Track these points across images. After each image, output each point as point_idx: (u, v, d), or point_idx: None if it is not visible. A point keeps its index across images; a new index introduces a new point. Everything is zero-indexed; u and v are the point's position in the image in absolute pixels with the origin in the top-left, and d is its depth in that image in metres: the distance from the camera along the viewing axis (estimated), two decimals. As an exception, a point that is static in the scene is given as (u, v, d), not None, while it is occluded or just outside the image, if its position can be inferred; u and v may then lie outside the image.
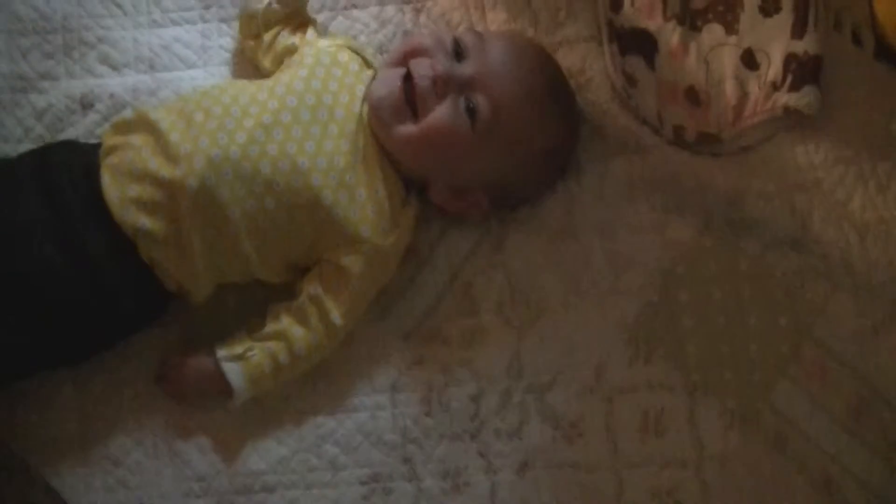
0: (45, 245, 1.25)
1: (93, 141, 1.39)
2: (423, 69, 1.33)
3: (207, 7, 1.52)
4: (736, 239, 1.42)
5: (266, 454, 1.35)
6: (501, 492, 1.34)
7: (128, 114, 1.37)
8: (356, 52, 1.42)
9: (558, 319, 1.40)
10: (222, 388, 1.31)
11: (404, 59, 1.35)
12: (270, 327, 1.32)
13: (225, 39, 1.50)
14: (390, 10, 1.52)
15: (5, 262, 1.25)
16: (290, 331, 1.32)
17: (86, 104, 1.45)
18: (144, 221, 1.26)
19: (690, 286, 1.41)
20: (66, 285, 1.26)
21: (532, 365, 1.38)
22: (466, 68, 1.33)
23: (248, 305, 1.38)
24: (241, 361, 1.31)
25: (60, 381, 1.34)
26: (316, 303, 1.32)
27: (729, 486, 1.35)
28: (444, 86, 1.32)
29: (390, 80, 1.34)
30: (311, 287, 1.33)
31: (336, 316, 1.32)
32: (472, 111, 1.32)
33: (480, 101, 1.32)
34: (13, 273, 1.24)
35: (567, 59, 1.48)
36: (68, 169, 1.30)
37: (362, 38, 1.51)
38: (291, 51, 1.43)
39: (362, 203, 1.33)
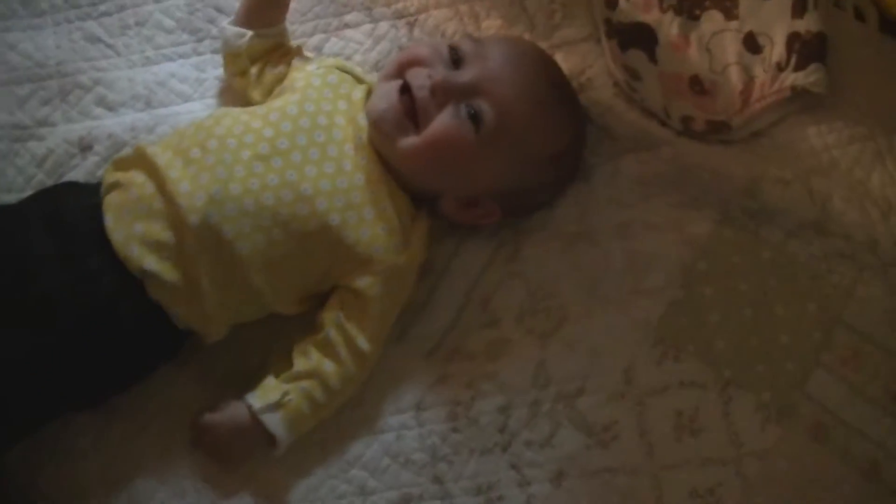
0: (55, 284, 1.22)
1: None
2: (420, 79, 1.31)
3: (200, 40, 1.51)
4: (756, 228, 1.40)
5: (294, 484, 1.31)
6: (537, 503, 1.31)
7: (127, 151, 1.35)
8: (345, 71, 1.41)
9: (582, 325, 1.37)
10: (262, 439, 1.28)
11: (400, 70, 1.33)
12: (301, 366, 1.29)
13: (220, 70, 1.49)
14: (383, 26, 1.51)
15: (17, 301, 1.22)
16: (321, 367, 1.28)
17: (84, 147, 1.44)
18: (151, 262, 1.23)
19: (714, 280, 1.38)
20: (78, 325, 1.23)
21: (559, 373, 1.35)
22: (465, 75, 1.31)
23: (264, 337, 1.35)
24: (280, 410, 1.27)
25: (79, 429, 1.31)
26: (341, 332, 1.29)
27: (771, 481, 1.31)
28: (444, 94, 1.29)
29: (388, 94, 1.32)
30: (333, 316, 1.30)
31: (363, 341, 1.29)
32: (475, 117, 1.29)
33: (483, 106, 1.29)
34: (24, 312, 1.21)
35: (567, 61, 1.46)
36: (73, 208, 1.28)
37: (357, 58, 1.50)
38: (280, 79, 1.41)
39: (372, 222, 1.30)
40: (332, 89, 1.37)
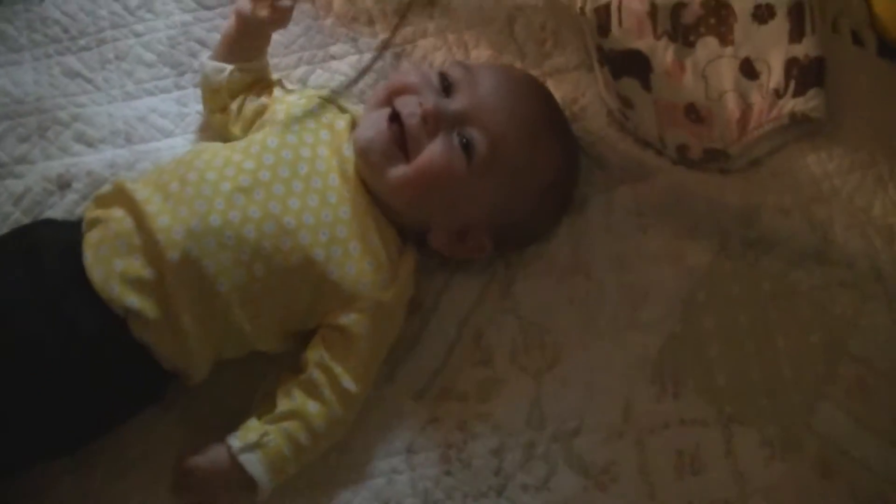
0: (33, 327, 1.18)
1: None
2: (410, 107, 1.27)
3: (182, 74, 1.48)
4: (756, 259, 1.36)
5: (281, 534, 1.26)
6: (535, 550, 1.26)
7: (107, 187, 1.31)
8: (328, 100, 1.37)
9: (577, 361, 1.33)
10: (243, 482, 1.23)
11: (389, 98, 1.30)
12: (284, 406, 1.24)
13: (201, 105, 1.45)
14: (369, 57, 1.48)
15: None
16: (304, 408, 1.24)
17: (63, 184, 1.40)
18: (133, 301, 1.19)
19: (713, 313, 1.34)
20: (58, 366, 1.18)
21: (554, 412, 1.31)
22: (456, 102, 1.27)
23: (249, 377, 1.31)
24: (258, 450, 1.22)
25: (59, 472, 1.26)
26: (325, 372, 1.25)
27: (779, 518, 1.27)
28: (435, 122, 1.26)
29: (377, 122, 1.28)
30: (317, 355, 1.26)
31: (348, 382, 1.25)
32: (467, 146, 1.26)
33: (475, 135, 1.26)
34: (1, 355, 1.17)
35: (558, 89, 1.43)
36: (50, 247, 1.23)
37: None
38: (261, 112, 1.38)
39: (358, 257, 1.26)
40: (314, 119, 1.33)
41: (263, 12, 1.35)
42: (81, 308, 1.19)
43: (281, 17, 1.36)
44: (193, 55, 1.48)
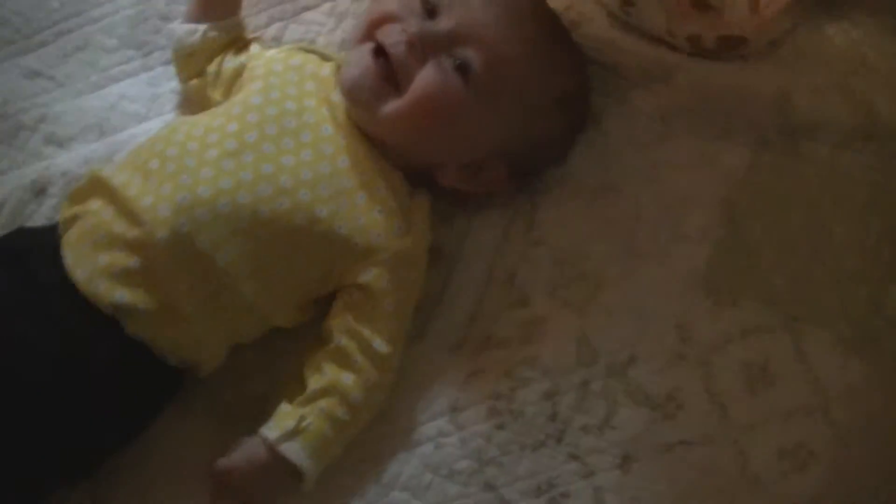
0: (23, 338, 1.10)
1: (54, 225, 1.26)
2: (393, 36, 1.19)
3: (148, 53, 1.40)
4: (797, 147, 1.27)
5: (330, 521, 1.17)
6: (607, 495, 1.16)
7: (80, 181, 1.23)
8: (309, 51, 1.30)
9: (621, 287, 1.23)
10: (287, 473, 1.14)
11: (370, 31, 1.21)
12: (316, 384, 1.15)
13: (174, 83, 1.37)
14: (344, 1, 1.40)
15: None
16: (338, 381, 1.15)
17: (39, 190, 1.32)
18: (122, 294, 1.11)
19: (760, 213, 1.25)
20: (54, 379, 1.10)
21: (605, 345, 1.21)
22: (444, 23, 1.19)
23: (269, 359, 1.22)
24: (298, 436, 1.13)
25: (78, 498, 1.17)
26: (353, 337, 1.16)
27: (864, 421, 1.16)
28: (423, 47, 1.17)
29: (361, 58, 1.20)
30: (342, 321, 1.17)
31: (379, 343, 1.16)
32: (462, 68, 1.17)
33: (469, 54, 1.17)
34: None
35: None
36: (28, 255, 1.16)
37: (321, 41, 1.39)
38: (240, 72, 1.29)
39: (365, 207, 1.17)
40: (296, 71, 1.25)
41: None
42: (71, 314, 1.12)
43: None
44: (157, 32, 1.41)
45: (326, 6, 1.40)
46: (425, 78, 1.17)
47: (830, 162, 1.26)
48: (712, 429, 1.17)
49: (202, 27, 1.31)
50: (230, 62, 1.31)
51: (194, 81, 1.33)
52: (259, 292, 1.14)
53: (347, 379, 1.15)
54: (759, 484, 1.15)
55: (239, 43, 1.33)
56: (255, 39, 1.35)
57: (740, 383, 1.18)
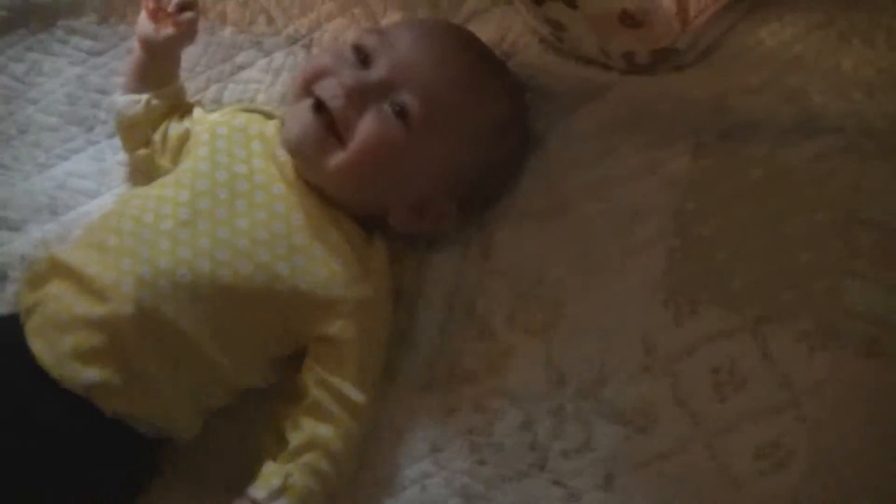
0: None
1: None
2: (330, 89, 1.19)
3: (90, 128, 1.41)
4: (737, 148, 1.27)
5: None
6: (594, 514, 1.17)
7: (38, 265, 1.22)
8: (251, 111, 1.31)
9: (582, 307, 1.23)
10: None
11: (307, 87, 1.21)
12: (296, 440, 1.15)
13: (120, 155, 1.38)
14: (279, 57, 1.40)
15: None
16: (317, 434, 1.15)
17: (-1, 277, 1.31)
18: (92, 374, 1.11)
19: (709, 217, 1.25)
20: (32, 471, 1.10)
21: (572, 367, 1.21)
22: (378, 71, 1.19)
23: (246, 420, 1.23)
24: (285, 493, 1.13)
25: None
26: (327, 389, 1.16)
27: (836, 412, 1.16)
28: (361, 97, 1.18)
29: (301, 115, 1.20)
30: (313, 375, 1.18)
31: (354, 392, 1.17)
32: (401, 112, 1.17)
33: (406, 98, 1.18)
34: None
35: (483, 31, 1.33)
36: None
37: (261, 97, 1.39)
38: (186, 137, 1.30)
39: (324, 260, 1.18)
40: (241, 133, 1.26)
41: (168, 30, 1.29)
42: (38, 399, 1.12)
43: (187, 32, 1.30)
44: (96, 106, 1.42)
45: (261, 63, 1.40)
46: (366, 128, 1.17)
47: (772, 160, 1.26)
48: (687, 437, 1.17)
49: (143, 97, 1.31)
50: (175, 128, 1.31)
51: (141, 150, 1.33)
52: (226, 355, 1.15)
53: (326, 431, 1.15)
54: (739, 486, 1.15)
55: (182, 108, 1.33)
56: (197, 103, 1.35)
57: (709, 389, 1.18)
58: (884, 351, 1.17)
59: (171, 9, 1.28)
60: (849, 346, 1.18)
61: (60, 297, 1.14)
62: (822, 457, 1.15)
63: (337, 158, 1.18)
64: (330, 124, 1.18)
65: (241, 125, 1.27)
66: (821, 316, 1.19)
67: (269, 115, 1.30)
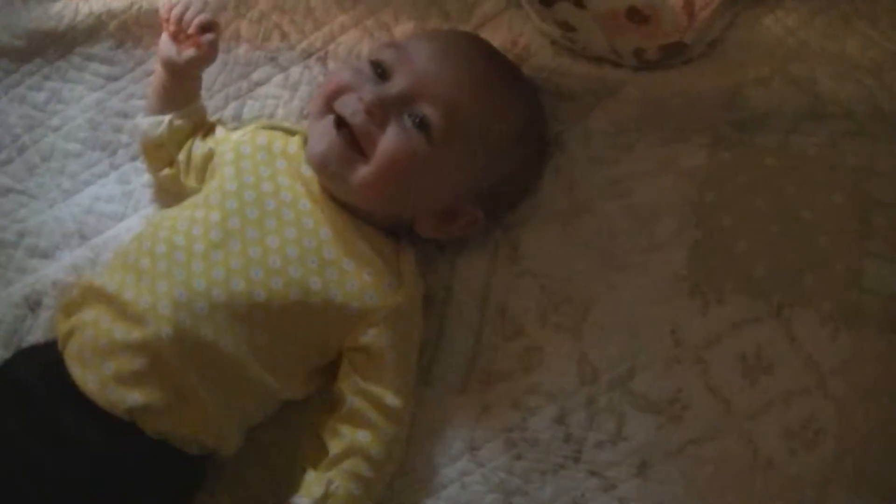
0: (42, 465, 1.12)
1: (56, 337, 1.26)
2: (351, 106, 1.20)
3: (114, 152, 1.41)
4: (751, 138, 1.29)
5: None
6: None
7: (72, 292, 1.23)
8: (273, 128, 1.32)
9: (609, 303, 1.26)
10: None
11: (328, 104, 1.23)
12: (336, 447, 1.18)
13: (145, 177, 1.39)
14: (295, 71, 1.41)
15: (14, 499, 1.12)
16: (357, 440, 1.17)
17: (33, 305, 1.33)
18: (136, 397, 1.13)
19: (728, 208, 1.27)
20: (83, 497, 1.13)
21: (603, 361, 1.24)
22: (397, 84, 1.21)
23: (286, 433, 1.25)
24: (329, 500, 1.15)
25: None
26: (364, 396, 1.19)
27: (862, 389, 1.19)
28: (381, 112, 1.19)
29: (324, 132, 1.22)
30: (350, 384, 1.20)
31: (390, 398, 1.19)
32: (421, 124, 1.19)
33: (426, 110, 1.19)
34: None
35: (494, 37, 1.35)
36: (33, 377, 1.17)
37: (280, 112, 1.40)
38: (210, 156, 1.31)
39: (354, 272, 1.20)
40: (265, 151, 1.27)
41: (190, 52, 1.30)
42: (81, 425, 1.13)
43: (209, 53, 1.30)
44: (118, 130, 1.42)
45: (278, 78, 1.41)
46: (389, 141, 1.19)
47: (785, 148, 1.28)
48: (719, 423, 1.20)
49: (167, 117, 1.32)
50: (199, 147, 1.32)
51: (166, 171, 1.34)
52: (266, 371, 1.16)
53: (365, 437, 1.17)
54: (772, 467, 1.18)
55: (204, 127, 1.35)
56: (218, 122, 1.36)
57: (738, 375, 1.21)
58: (906, 325, 1.20)
59: (191, 30, 1.29)
60: (871, 324, 1.21)
61: (97, 323, 1.16)
62: (851, 434, 1.18)
63: (361, 173, 1.20)
64: (352, 140, 1.20)
65: (264, 143, 1.28)
66: (842, 297, 1.22)
67: (290, 132, 1.32)
